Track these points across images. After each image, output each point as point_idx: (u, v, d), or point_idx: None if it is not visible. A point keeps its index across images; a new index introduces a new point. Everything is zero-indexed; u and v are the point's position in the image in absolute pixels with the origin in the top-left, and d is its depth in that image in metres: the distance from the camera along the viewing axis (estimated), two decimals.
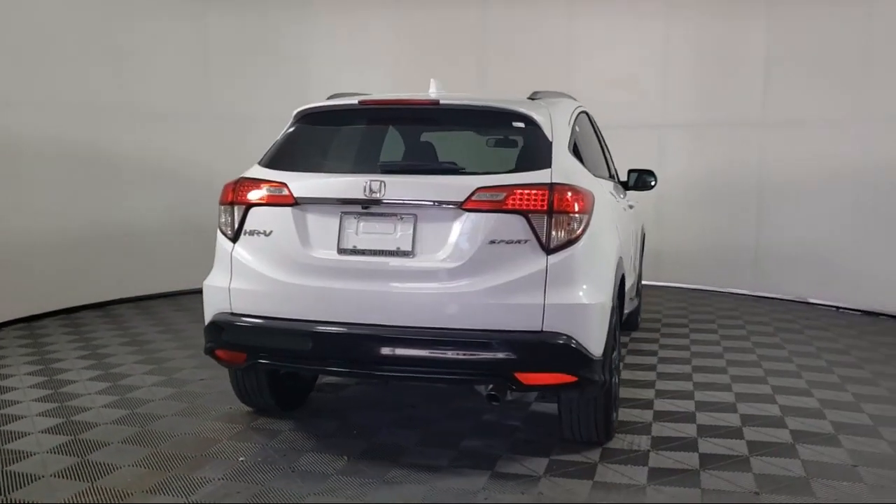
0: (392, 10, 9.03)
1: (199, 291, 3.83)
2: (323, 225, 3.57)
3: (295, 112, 4.04)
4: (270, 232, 3.63)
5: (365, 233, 3.52)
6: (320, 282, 3.53)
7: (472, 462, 3.74)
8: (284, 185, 3.62)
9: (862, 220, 7.39)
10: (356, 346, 3.50)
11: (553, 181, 3.43)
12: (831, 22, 7.42)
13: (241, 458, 3.75)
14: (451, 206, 3.42)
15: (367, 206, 3.51)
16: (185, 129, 8.21)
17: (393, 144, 4.32)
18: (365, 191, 3.47)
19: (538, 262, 3.35)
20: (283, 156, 3.86)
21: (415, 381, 4.26)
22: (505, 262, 3.37)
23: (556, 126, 3.80)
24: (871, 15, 7.11)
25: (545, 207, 3.36)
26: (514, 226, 3.37)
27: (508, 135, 3.97)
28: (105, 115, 7.51)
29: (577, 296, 3.38)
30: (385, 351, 3.45)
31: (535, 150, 3.65)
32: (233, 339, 3.73)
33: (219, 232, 3.83)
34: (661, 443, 3.97)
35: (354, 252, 3.52)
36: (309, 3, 8.87)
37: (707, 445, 3.93)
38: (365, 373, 3.73)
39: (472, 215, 3.40)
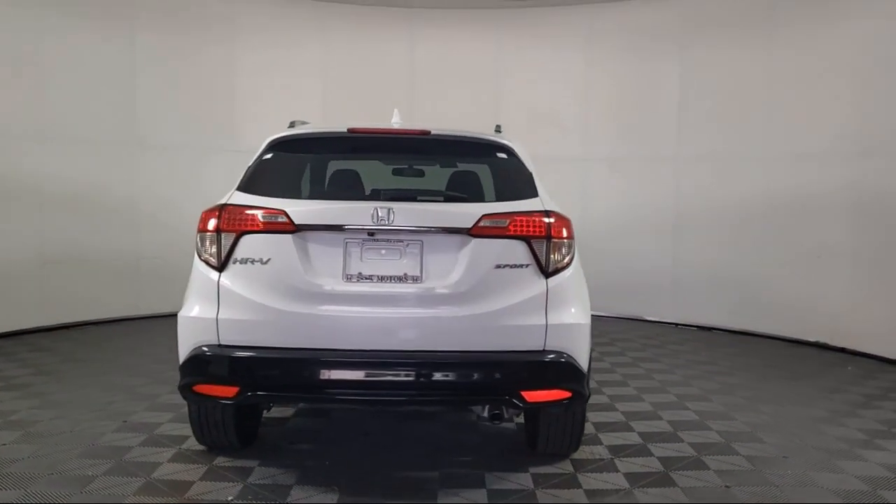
0: (320, 33, 9.04)
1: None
2: (325, 251, 3.53)
3: (270, 139, 3.94)
4: (268, 259, 3.52)
5: (370, 259, 3.54)
6: (325, 309, 3.49)
7: (461, 482, 3.84)
8: (283, 211, 3.54)
9: (755, 246, 8.00)
10: (366, 373, 3.48)
11: (546, 209, 3.67)
12: (736, 66, 8.12)
13: (230, 498, 3.57)
14: (458, 233, 3.54)
15: (373, 233, 3.53)
16: (105, 154, 7.91)
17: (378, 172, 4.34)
18: (373, 218, 3.49)
19: (539, 284, 3.57)
20: (267, 182, 3.75)
21: (423, 405, 4.25)
22: (509, 286, 3.55)
23: (527, 158, 4.08)
24: (769, 65, 7.82)
25: (544, 233, 3.59)
26: (517, 251, 3.57)
27: (494, 165, 4.12)
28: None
29: (571, 316, 3.63)
30: (398, 377, 3.47)
31: (521, 181, 3.88)
32: (223, 372, 3.54)
33: (198, 260, 3.63)
34: (618, 451, 4.31)
35: (360, 278, 3.52)
36: (234, 24, 8.71)
37: (658, 450, 4.33)
38: (372, 400, 3.69)
39: (479, 241, 3.54)
